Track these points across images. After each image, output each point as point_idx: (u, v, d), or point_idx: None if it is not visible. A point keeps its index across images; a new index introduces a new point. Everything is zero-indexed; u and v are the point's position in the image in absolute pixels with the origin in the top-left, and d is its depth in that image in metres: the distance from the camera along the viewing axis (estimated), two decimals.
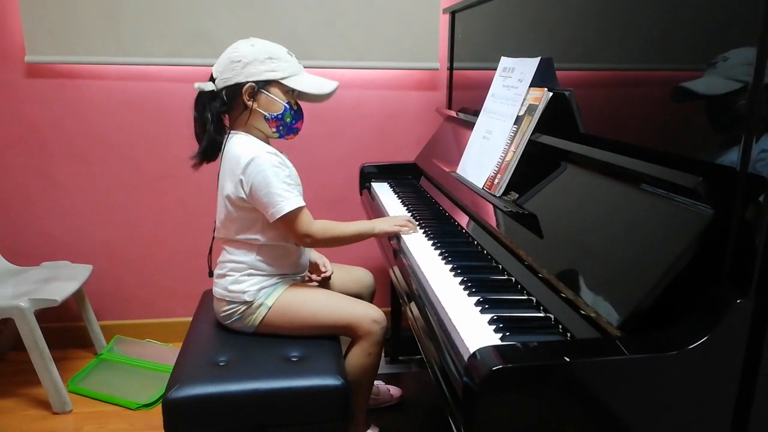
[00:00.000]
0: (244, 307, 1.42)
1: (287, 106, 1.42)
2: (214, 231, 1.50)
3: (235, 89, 1.39)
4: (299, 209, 1.38)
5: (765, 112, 0.73)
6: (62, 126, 2.14)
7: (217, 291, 1.46)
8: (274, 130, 1.45)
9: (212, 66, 1.44)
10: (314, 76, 1.46)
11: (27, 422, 1.85)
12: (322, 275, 1.64)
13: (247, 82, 1.38)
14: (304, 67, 1.47)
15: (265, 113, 1.41)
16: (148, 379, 2.05)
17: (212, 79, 1.43)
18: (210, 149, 1.45)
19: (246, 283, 1.42)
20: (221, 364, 1.32)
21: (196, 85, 1.42)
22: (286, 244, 1.47)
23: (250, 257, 1.43)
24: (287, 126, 1.45)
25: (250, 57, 1.37)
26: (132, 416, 1.89)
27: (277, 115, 1.42)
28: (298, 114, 1.46)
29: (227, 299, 1.43)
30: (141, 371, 2.12)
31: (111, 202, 2.23)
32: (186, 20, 2.05)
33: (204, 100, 1.42)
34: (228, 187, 1.39)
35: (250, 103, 1.40)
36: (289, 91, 1.43)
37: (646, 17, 0.99)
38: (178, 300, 2.32)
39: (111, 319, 2.32)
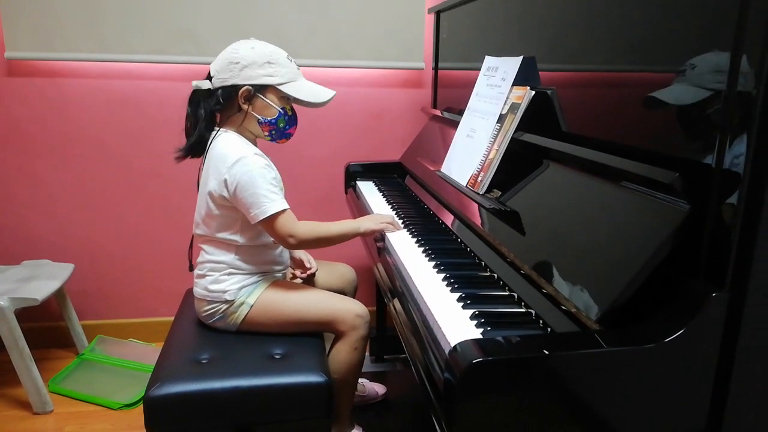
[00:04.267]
0: (226, 306, 1.42)
1: (282, 111, 1.42)
2: (193, 226, 1.49)
3: (231, 91, 1.39)
4: (283, 211, 1.37)
5: (738, 117, 0.75)
6: (44, 123, 2.11)
7: (198, 291, 1.45)
8: (267, 134, 1.45)
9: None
10: (312, 83, 1.46)
11: (7, 423, 1.83)
12: (308, 272, 1.64)
13: (244, 85, 1.38)
14: None
15: (259, 117, 1.42)
16: (130, 379, 2.04)
17: (209, 77, 1.42)
18: (197, 145, 1.44)
19: (226, 283, 1.41)
20: (203, 361, 1.32)
21: (194, 83, 1.42)
22: (266, 244, 1.46)
23: (229, 257, 1.42)
24: (280, 131, 1.45)
25: (249, 60, 1.37)
26: (114, 416, 1.87)
27: (271, 120, 1.42)
28: (292, 120, 1.46)
29: (208, 299, 1.43)
30: (123, 371, 2.10)
31: (93, 201, 2.20)
32: (170, 17, 2.04)
33: (199, 97, 1.42)
34: (211, 183, 1.39)
35: (245, 106, 1.40)
36: (284, 97, 1.42)
37: (627, 19, 1.01)
38: (161, 299, 2.30)
39: (93, 318, 2.30)
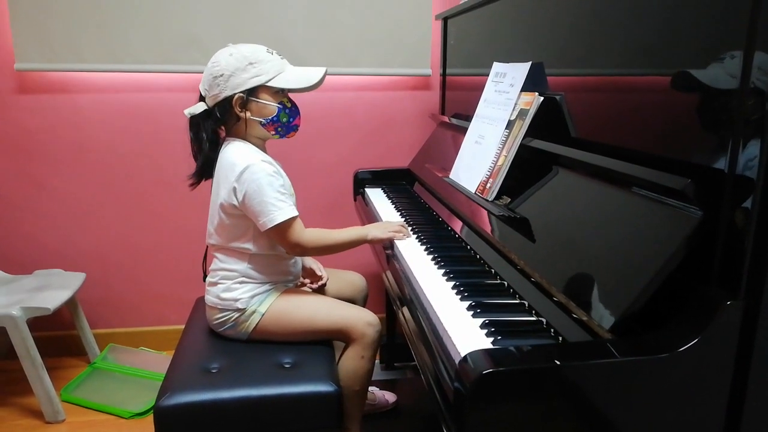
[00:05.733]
0: (237, 315, 1.42)
1: (280, 106, 1.42)
2: (206, 236, 1.49)
3: (225, 103, 1.39)
4: (291, 219, 1.37)
5: (752, 115, 0.73)
6: (54, 134, 2.13)
7: (209, 299, 1.45)
8: (273, 132, 1.44)
9: (203, 72, 1.45)
10: (299, 69, 1.45)
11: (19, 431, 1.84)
12: (319, 283, 1.64)
13: (235, 94, 1.38)
14: None
15: (260, 119, 1.41)
16: (141, 388, 2.04)
17: (202, 98, 1.43)
18: (206, 167, 1.45)
19: (238, 291, 1.41)
20: (213, 371, 1.32)
21: (186, 111, 1.42)
22: (278, 254, 1.46)
23: (242, 265, 1.42)
24: (285, 126, 1.45)
25: (231, 68, 1.36)
26: (125, 425, 1.87)
27: (272, 118, 1.42)
28: (293, 111, 1.46)
29: (219, 307, 1.43)
30: (134, 379, 2.10)
31: (103, 210, 2.22)
32: (177, 27, 2.05)
33: (198, 120, 1.43)
34: (222, 193, 1.39)
35: (242, 114, 1.40)
36: (278, 91, 1.42)
37: (636, 23, 1.00)
38: (172, 307, 2.31)
39: (104, 327, 2.31)
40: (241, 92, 1.38)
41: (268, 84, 1.39)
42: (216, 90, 1.38)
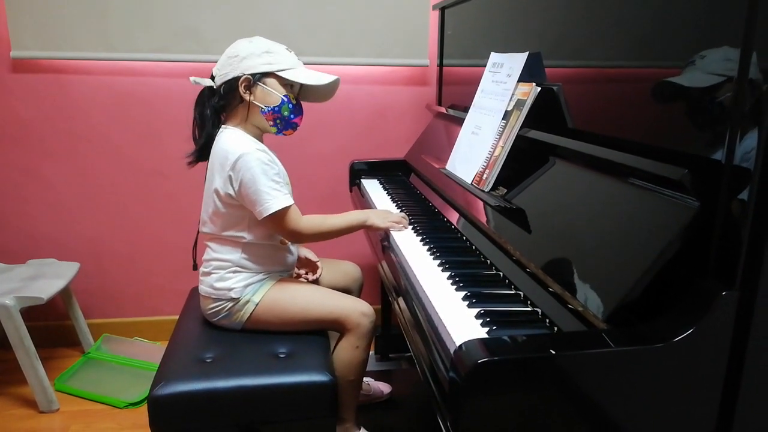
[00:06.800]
0: (231, 304, 1.41)
1: (285, 98, 1.41)
2: (199, 224, 1.48)
3: (232, 83, 1.39)
4: (287, 208, 1.37)
5: (749, 106, 0.73)
6: (49, 122, 2.11)
7: (203, 289, 1.45)
8: (272, 123, 1.43)
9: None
10: (312, 71, 1.45)
11: (13, 421, 1.83)
12: (316, 275, 1.64)
13: (243, 74, 1.38)
14: None
15: (262, 106, 1.40)
16: (136, 378, 2.04)
17: (212, 79, 1.43)
18: (207, 147, 1.44)
19: (232, 280, 1.41)
20: (208, 360, 1.31)
21: (192, 79, 1.42)
22: (273, 243, 1.46)
23: (236, 255, 1.42)
24: (285, 120, 1.43)
25: (247, 51, 1.38)
26: (119, 415, 1.87)
27: (274, 107, 1.41)
28: (296, 109, 1.45)
29: (213, 297, 1.42)
30: (129, 369, 2.10)
31: (98, 199, 2.20)
32: (173, 16, 2.04)
33: (204, 98, 1.43)
34: (217, 181, 1.38)
35: (246, 95, 1.39)
36: (287, 85, 1.42)
37: (634, 13, 0.99)
38: (167, 298, 2.30)
39: (99, 317, 2.30)
40: (249, 74, 1.38)
41: (279, 73, 1.39)
42: (227, 69, 1.39)
